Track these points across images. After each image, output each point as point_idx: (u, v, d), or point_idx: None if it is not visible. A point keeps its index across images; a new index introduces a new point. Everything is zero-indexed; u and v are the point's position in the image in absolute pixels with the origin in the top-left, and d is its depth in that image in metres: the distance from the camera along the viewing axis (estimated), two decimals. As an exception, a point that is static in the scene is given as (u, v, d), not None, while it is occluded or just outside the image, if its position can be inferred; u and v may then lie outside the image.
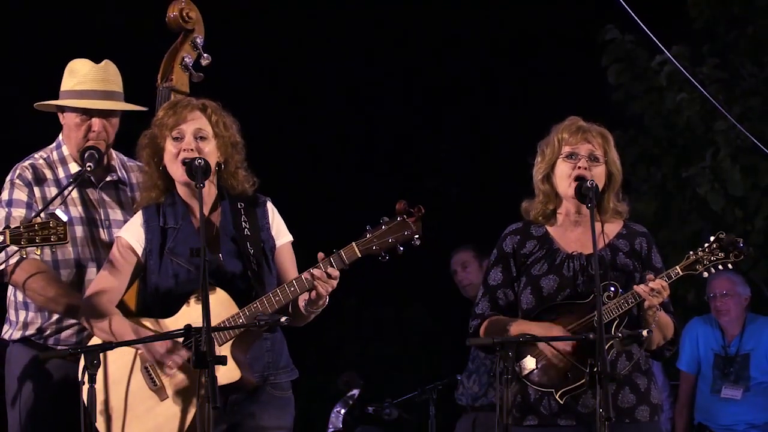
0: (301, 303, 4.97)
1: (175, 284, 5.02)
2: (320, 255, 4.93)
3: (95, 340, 5.04)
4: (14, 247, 4.83)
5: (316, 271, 4.89)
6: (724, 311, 8.18)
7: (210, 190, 5.11)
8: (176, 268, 5.03)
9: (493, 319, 5.29)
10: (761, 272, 9.51)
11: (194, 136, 5.05)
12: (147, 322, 5.01)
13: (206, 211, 5.10)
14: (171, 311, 5.00)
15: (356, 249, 4.94)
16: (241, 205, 5.12)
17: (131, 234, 5.11)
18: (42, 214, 4.94)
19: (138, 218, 5.13)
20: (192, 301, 4.98)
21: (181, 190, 5.10)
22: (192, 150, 5.02)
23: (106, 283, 5.07)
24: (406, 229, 4.96)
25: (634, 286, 5.10)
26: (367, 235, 4.94)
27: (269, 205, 5.19)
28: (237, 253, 5.05)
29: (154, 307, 5.05)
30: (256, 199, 5.17)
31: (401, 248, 4.96)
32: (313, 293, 4.92)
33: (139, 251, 5.09)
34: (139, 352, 4.98)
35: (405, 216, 4.97)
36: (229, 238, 5.06)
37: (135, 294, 5.18)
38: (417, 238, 4.96)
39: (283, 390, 5.13)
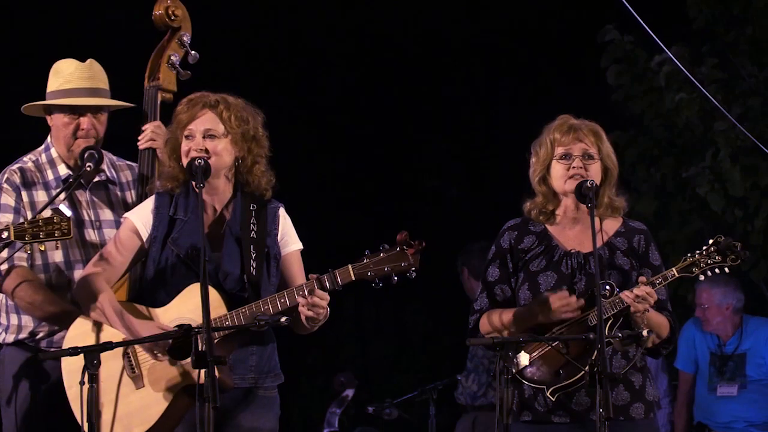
0: (302, 316, 4.97)
1: (171, 275, 5.02)
2: (312, 276, 4.94)
3: (87, 339, 5.03)
4: (5, 254, 4.85)
5: (301, 300, 4.89)
6: (704, 322, 8.31)
7: (226, 187, 5.11)
8: (174, 259, 5.02)
9: (489, 313, 5.30)
10: (761, 272, 9.50)
11: (203, 136, 5.05)
12: (137, 309, 5.01)
13: (218, 208, 5.11)
14: (162, 301, 5.01)
15: (351, 272, 4.94)
16: (253, 207, 5.11)
17: (139, 218, 5.11)
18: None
19: (150, 203, 5.14)
20: (184, 294, 4.97)
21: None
22: (201, 150, 5.02)
23: (105, 263, 5.07)
24: (403, 260, 4.96)
25: (620, 293, 5.12)
26: (365, 260, 4.95)
27: (281, 212, 5.18)
28: (238, 254, 5.04)
29: (147, 293, 5.06)
30: (271, 203, 5.16)
31: (396, 278, 4.97)
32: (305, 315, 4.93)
33: (144, 236, 5.09)
34: (124, 338, 4.96)
35: (405, 247, 4.97)
36: (234, 238, 5.06)
37: (126, 283, 5.19)
38: (413, 270, 4.97)
39: (267, 390, 5.12)
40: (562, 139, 5.29)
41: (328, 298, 4.92)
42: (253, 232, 5.06)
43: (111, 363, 4.98)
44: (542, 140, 5.34)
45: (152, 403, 4.95)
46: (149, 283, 5.06)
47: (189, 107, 5.09)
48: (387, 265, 4.94)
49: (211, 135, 5.05)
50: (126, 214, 5.19)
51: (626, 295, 5.10)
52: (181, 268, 5.01)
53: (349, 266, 4.94)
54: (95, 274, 5.04)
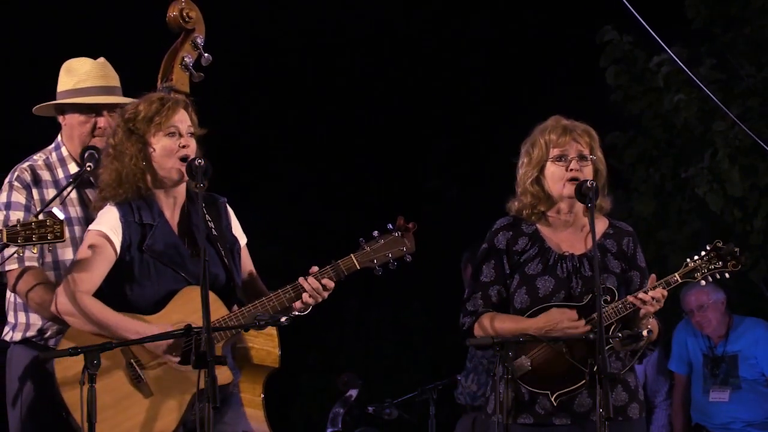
0: (300, 303, 5.01)
1: (157, 281, 5.01)
2: (314, 269, 4.99)
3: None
4: (11, 250, 4.85)
5: (310, 282, 4.95)
6: (705, 323, 8.24)
7: (180, 189, 5.11)
8: (156, 265, 5.01)
9: (488, 316, 5.29)
10: (761, 272, 9.51)
11: (187, 133, 5.07)
12: (134, 317, 4.98)
13: (177, 210, 5.12)
14: (154, 308, 4.99)
15: (355, 261, 5.04)
16: (203, 204, 5.10)
17: (109, 228, 5.05)
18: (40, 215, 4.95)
19: (114, 212, 5.07)
20: (180, 298, 4.97)
21: (161, 186, 5.08)
22: (189, 147, 5.03)
23: (86, 276, 5.00)
24: (402, 245, 5.09)
25: (630, 297, 5.13)
26: (365, 248, 5.05)
27: (227, 206, 5.21)
28: (214, 252, 5.06)
29: (135, 302, 5.02)
30: (215, 199, 5.18)
31: (395, 263, 5.07)
32: (302, 302, 4.98)
33: (117, 245, 5.04)
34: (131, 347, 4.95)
35: (401, 232, 5.05)
36: (203, 236, 5.05)
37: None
38: (410, 255, 5.09)
39: (237, 388, 5.17)
40: (558, 140, 5.28)
41: (333, 286, 5.01)
42: (213, 229, 5.09)
43: (115, 373, 4.95)
44: (535, 141, 5.33)
45: (167, 410, 4.94)
46: (132, 292, 5.03)
47: (167, 106, 5.06)
48: (387, 250, 5.06)
49: (191, 133, 5.08)
50: (90, 227, 5.13)
51: (640, 297, 5.11)
52: (166, 272, 5.01)
53: (352, 255, 5.04)
54: (79, 291, 4.98)
